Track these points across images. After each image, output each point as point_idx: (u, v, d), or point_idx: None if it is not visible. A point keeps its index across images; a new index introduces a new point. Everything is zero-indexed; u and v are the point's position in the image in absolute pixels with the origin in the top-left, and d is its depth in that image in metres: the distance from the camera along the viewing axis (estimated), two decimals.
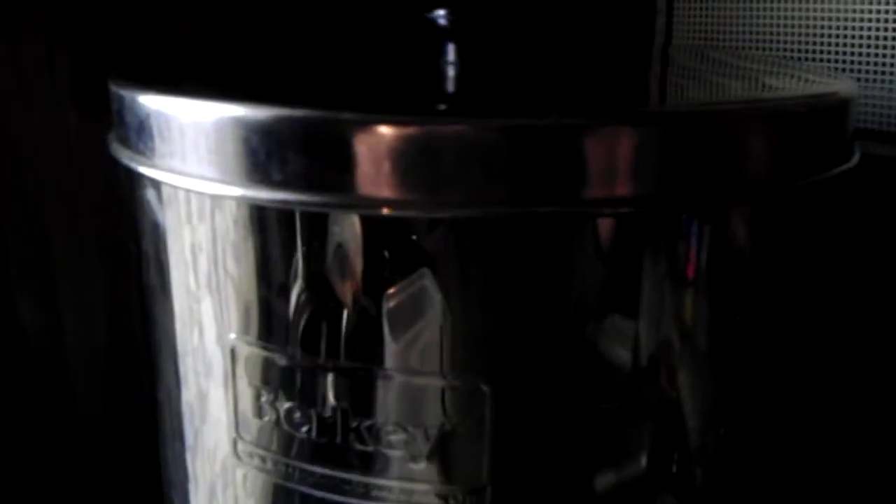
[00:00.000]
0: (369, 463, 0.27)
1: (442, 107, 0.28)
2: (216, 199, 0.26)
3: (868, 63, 0.46)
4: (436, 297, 0.25)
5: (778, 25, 0.48)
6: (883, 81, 0.46)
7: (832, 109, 0.30)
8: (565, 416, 0.27)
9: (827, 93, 0.30)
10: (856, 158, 0.31)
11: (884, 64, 0.45)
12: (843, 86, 0.31)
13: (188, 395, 0.30)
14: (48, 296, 0.59)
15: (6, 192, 0.56)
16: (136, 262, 0.32)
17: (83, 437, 0.62)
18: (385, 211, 0.24)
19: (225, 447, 0.29)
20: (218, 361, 0.28)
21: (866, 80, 0.46)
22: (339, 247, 0.25)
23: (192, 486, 0.31)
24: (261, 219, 0.26)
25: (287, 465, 0.28)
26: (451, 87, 0.32)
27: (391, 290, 0.25)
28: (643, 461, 0.28)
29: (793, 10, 0.47)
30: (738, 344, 0.29)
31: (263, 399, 0.27)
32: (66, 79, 0.55)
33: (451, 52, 0.34)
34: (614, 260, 0.25)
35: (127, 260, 0.59)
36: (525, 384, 0.26)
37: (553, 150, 0.24)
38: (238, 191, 0.25)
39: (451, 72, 0.33)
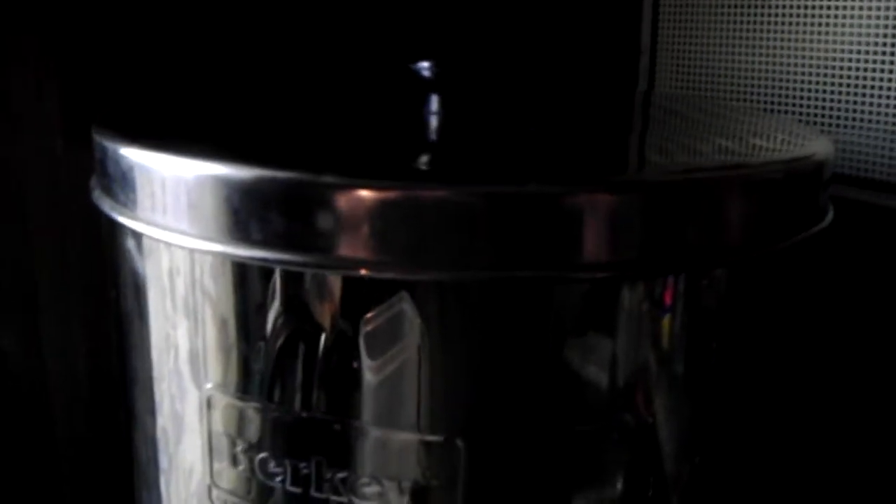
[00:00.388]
0: None
1: (424, 165, 0.28)
2: (196, 253, 0.27)
3: (842, 111, 0.47)
4: (412, 355, 0.25)
5: (757, 74, 0.49)
6: (854, 128, 0.47)
7: (808, 174, 0.30)
8: (539, 473, 0.27)
9: (803, 156, 0.31)
10: (829, 218, 0.32)
11: (856, 111, 0.46)
12: (819, 146, 0.32)
13: (164, 440, 0.30)
14: (30, 323, 0.59)
15: None
16: (115, 307, 0.32)
17: (61, 474, 0.62)
18: (364, 272, 0.24)
19: (201, 494, 0.29)
20: (194, 410, 0.28)
21: (840, 127, 0.47)
22: (318, 304, 0.25)
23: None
24: (240, 274, 0.26)
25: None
26: (433, 140, 0.32)
27: (368, 347, 0.25)
28: None
29: (772, 59, 0.48)
30: (715, 401, 0.30)
31: (238, 448, 0.28)
32: (55, 107, 0.55)
33: (434, 103, 0.34)
34: (592, 321, 0.26)
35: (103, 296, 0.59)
36: (500, 440, 0.27)
37: (533, 216, 0.24)
38: (217, 247, 0.25)
39: (434, 123, 0.34)
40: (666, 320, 0.27)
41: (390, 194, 0.24)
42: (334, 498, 0.27)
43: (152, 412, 0.30)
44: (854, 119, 0.47)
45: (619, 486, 0.28)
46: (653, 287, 0.26)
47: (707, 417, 0.30)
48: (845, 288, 0.50)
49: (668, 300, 0.27)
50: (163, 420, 0.30)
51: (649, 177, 0.27)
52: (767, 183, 0.28)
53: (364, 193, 0.23)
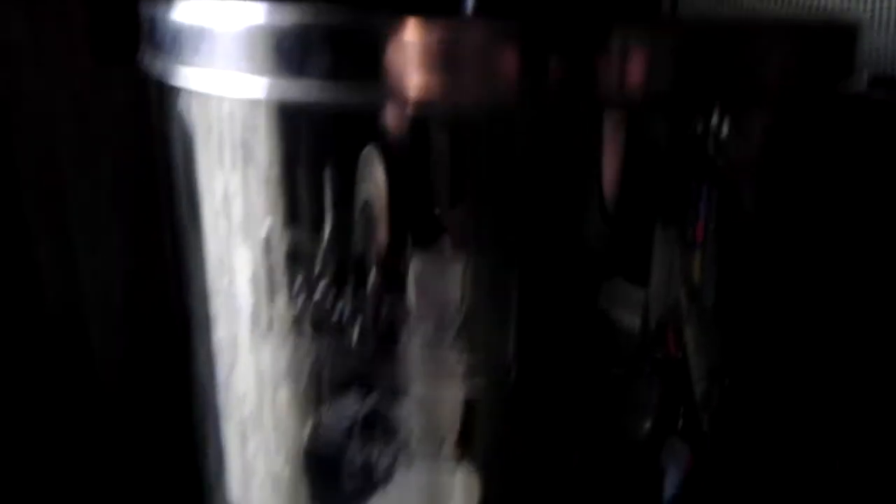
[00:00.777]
0: (398, 335, 0.28)
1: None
2: (249, 102, 0.28)
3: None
4: (466, 182, 0.26)
5: None
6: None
7: (844, 29, 0.31)
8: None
9: (839, 17, 0.32)
10: (864, 82, 0.33)
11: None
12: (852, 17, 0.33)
13: (224, 283, 0.31)
14: (64, 242, 0.60)
15: (20, 143, 0.57)
16: (165, 178, 0.34)
17: (100, 393, 0.64)
18: (415, 104, 0.25)
19: (258, 334, 0.30)
20: (255, 250, 0.29)
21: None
22: (371, 142, 0.26)
23: (221, 369, 0.33)
24: (292, 117, 0.27)
25: (321, 341, 0.29)
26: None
27: (420, 177, 0.26)
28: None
29: None
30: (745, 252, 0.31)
31: (298, 282, 0.29)
32: (80, 26, 0.56)
33: None
34: (631, 154, 0.27)
35: (142, 202, 0.60)
36: (546, 259, 0.28)
37: (574, 51, 0.25)
38: (270, 92, 0.26)
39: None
40: (707, 153, 0.28)
41: (440, 28, 0.25)
42: (390, 320, 0.28)
43: (210, 262, 0.31)
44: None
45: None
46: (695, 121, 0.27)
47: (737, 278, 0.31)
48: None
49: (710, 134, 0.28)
50: (222, 263, 0.31)
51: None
52: (808, 30, 0.29)
53: (415, 27, 0.24)
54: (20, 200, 0.58)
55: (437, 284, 0.27)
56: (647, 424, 0.32)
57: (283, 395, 0.31)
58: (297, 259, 0.29)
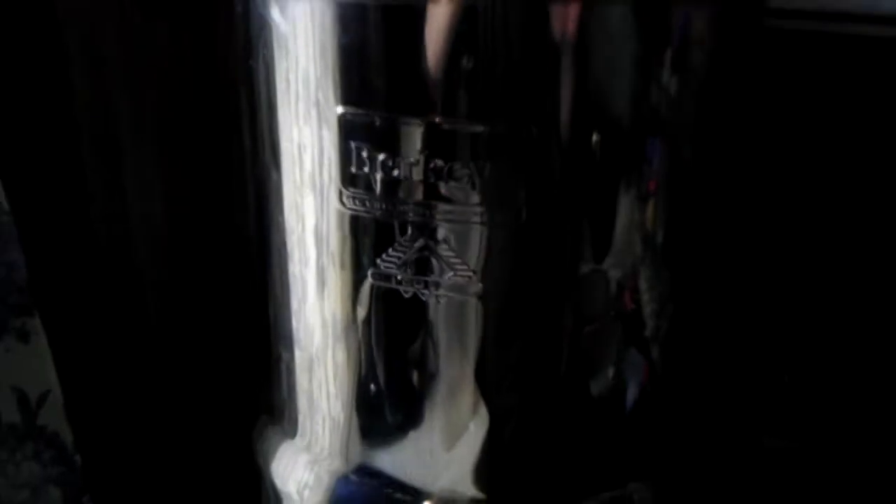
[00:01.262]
0: (440, 193, 0.37)
1: None
2: (315, 3, 0.37)
3: None
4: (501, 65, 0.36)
5: None
6: None
7: None
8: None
9: None
10: None
11: None
12: None
13: (305, 161, 0.40)
14: (115, 182, 0.69)
15: (80, 93, 0.65)
16: (246, 77, 0.42)
17: (146, 316, 0.72)
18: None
19: (333, 199, 0.39)
20: (331, 127, 0.38)
21: None
22: (432, 33, 0.35)
23: (295, 238, 0.42)
24: (357, 16, 0.36)
25: (382, 203, 0.38)
26: None
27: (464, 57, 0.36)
28: None
29: None
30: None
31: (364, 154, 0.38)
32: None
33: None
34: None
35: (180, 147, 0.68)
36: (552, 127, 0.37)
37: None
38: None
39: None
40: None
41: None
42: (434, 181, 0.37)
43: (289, 137, 0.40)
44: None
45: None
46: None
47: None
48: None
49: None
50: (300, 140, 0.40)
51: None
52: None
53: None
54: (78, 145, 0.67)
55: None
56: (613, 345, 0.42)
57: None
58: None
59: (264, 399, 0.50)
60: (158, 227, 0.69)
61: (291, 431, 0.47)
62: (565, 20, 0.35)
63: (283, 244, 0.43)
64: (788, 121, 0.59)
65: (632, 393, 0.43)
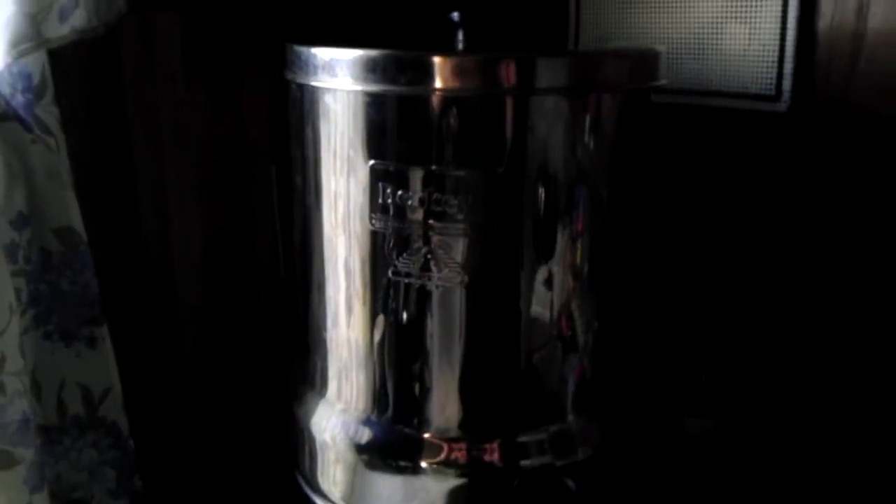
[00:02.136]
0: (437, 216, 0.57)
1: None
2: (355, 94, 0.56)
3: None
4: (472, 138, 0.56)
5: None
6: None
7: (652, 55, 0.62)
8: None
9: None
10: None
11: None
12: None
13: (342, 194, 0.59)
14: (162, 214, 0.86)
15: (138, 145, 0.83)
16: (299, 139, 0.61)
17: (183, 326, 0.88)
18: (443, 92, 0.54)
19: (363, 219, 0.58)
20: (364, 173, 0.57)
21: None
22: (430, 112, 0.55)
23: (330, 250, 0.61)
24: (382, 103, 0.56)
25: (398, 225, 0.57)
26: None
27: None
28: None
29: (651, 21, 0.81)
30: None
31: (388, 190, 0.57)
32: (178, 54, 0.83)
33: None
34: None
35: (216, 187, 0.86)
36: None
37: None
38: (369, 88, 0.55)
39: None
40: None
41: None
42: (436, 208, 0.56)
43: (331, 186, 0.59)
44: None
45: None
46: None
47: None
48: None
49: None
50: (338, 187, 0.59)
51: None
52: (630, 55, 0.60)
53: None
54: (135, 194, 0.84)
55: None
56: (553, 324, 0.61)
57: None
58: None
59: (301, 372, 0.68)
60: (195, 253, 0.87)
61: (325, 392, 0.65)
62: (515, 106, 0.56)
63: (322, 254, 0.62)
64: (674, 167, 0.80)
65: (569, 364, 0.63)
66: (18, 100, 0.71)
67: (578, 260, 0.60)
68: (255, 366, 0.89)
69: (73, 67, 0.76)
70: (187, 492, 0.88)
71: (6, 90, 0.71)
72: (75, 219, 0.79)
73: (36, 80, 0.72)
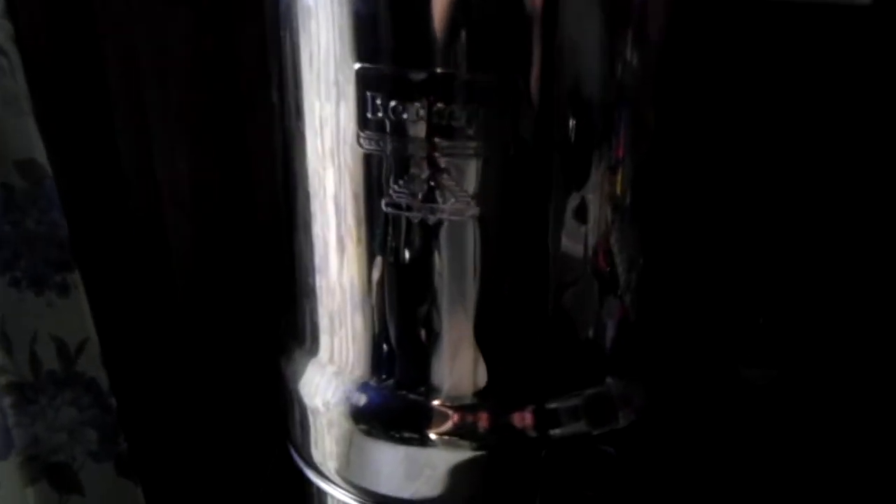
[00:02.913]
0: (442, 132, 0.45)
1: None
2: None
3: None
4: None
5: None
6: None
7: None
8: None
9: None
10: None
11: None
12: None
13: (326, 110, 0.48)
14: (145, 154, 0.76)
15: (112, 66, 0.73)
16: (275, 47, 0.50)
17: (174, 274, 0.79)
18: None
19: (351, 140, 0.47)
20: (349, 81, 0.46)
21: None
22: (429, 16, 0.43)
23: (315, 181, 0.50)
24: None
25: (393, 143, 0.46)
26: None
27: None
28: None
29: None
30: None
31: (378, 101, 0.46)
32: None
33: None
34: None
35: (202, 122, 0.76)
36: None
37: None
38: None
39: None
40: None
41: None
42: (437, 121, 0.45)
43: (316, 93, 0.48)
44: None
45: None
46: None
47: None
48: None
49: None
50: (325, 93, 0.47)
51: None
52: None
53: None
54: (111, 122, 0.74)
55: None
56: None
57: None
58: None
59: (289, 326, 0.58)
60: (183, 191, 0.77)
61: (316, 350, 0.55)
62: None
63: (307, 186, 0.51)
64: (737, 73, 0.67)
65: (607, 311, 0.51)
66: None
67: (619, 187, 0.49)
68: (252, 316, 0.79)
69: None
70: (176, 453, 0.79)
71: None
72: (38, 149, 0.70)
73: None
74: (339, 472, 0.56)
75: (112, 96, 0.72)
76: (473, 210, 0.47)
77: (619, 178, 0.49)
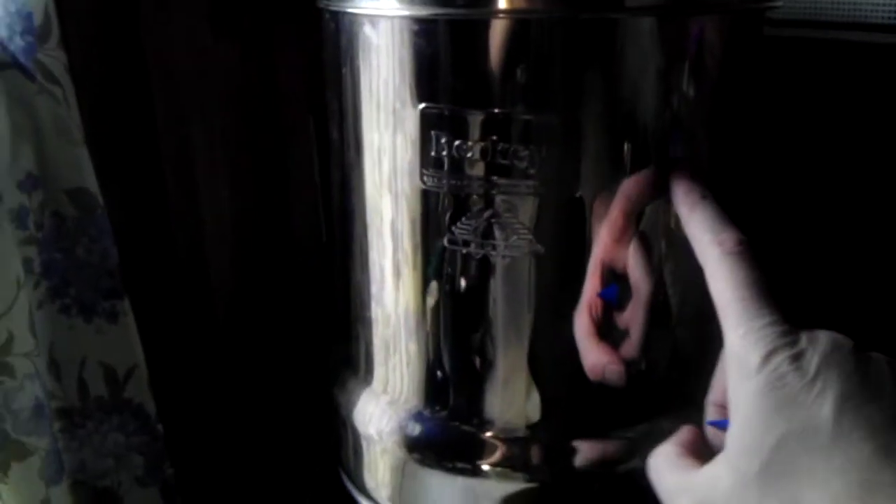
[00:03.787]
0: (502, 171, 0.46)
1: None
2: (400, 20, 0.46)
3: None
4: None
5: None
6: None
7: None
8: None
9: None
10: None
11: None
12: None
13: (385, 144, 0.49)
14: (191, 193, 0.77)
15: (159, 96, 0.74)
16: (335, 84, 0.51)
17: (214, 300, 0.80)
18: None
19: (414, 178, 0.48)
20: (412, 120, 0.47)
21: None
22: (492, 41, 0.44)
23: (374, 216, 0.51)
24: (433, 31, 0.45)
25: (455, 182, 0.47)
26: None
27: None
28: None
29: None
30: None
31: (443, 141, 0.47)
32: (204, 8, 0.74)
33: None
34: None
35: (245, 159, 0.77)
36: None
37: None
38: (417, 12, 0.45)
39: None
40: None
41: None
42: (501, 161, 0.46)
43: (379, 131, 0.49)
44: None
45: None
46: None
47: None
48: None
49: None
50: (390, 128, 0.49)
51: None
52: None
53: None
54: (159, 154, 0.75)
55: None
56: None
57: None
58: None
59: (343, 355, 0.59)
60: (225, 223, 0.78)
61: (370, 379, 0.56)
62: (600, 32, 0.45)
63: (365, 218, 0.52)
64: (789, 111, 0.68)
65: (660, 344, 0.52)
66: (18, 44, 0.63)
67: (673, 221, 0.50)
68: (295, 344, 0.80)
69: (81, 5, 0.67)
70: (221, 481, 0.80)
71: (3, 33, 0.63)
72: (89, 179, 0.71)
73: (38, 19, 0.63)
74: (391, 500, 0.56)
75: (158, 124, 0.74)
76: (532, 246, 0.48)
77: (672, 213, 0.50)
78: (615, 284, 0.49)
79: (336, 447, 0.61)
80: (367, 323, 0.55)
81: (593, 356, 0.48)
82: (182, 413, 0.78)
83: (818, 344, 0.37)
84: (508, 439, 0.52)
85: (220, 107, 0.76)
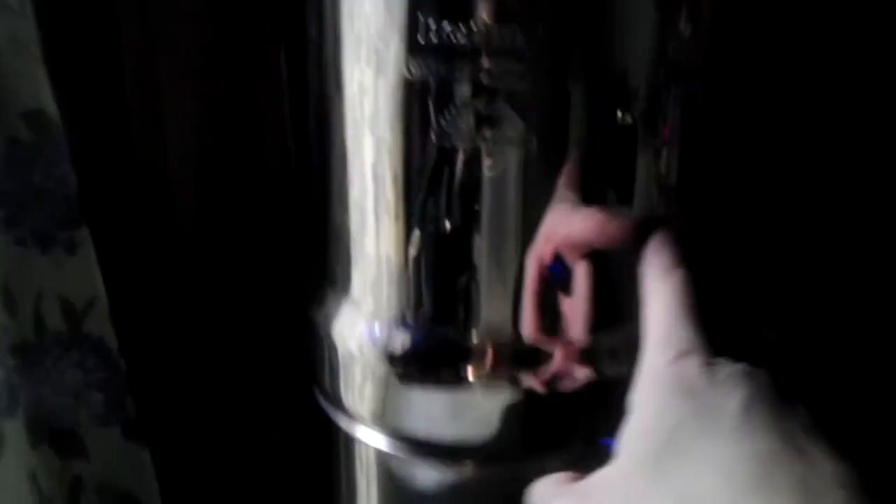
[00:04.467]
0: (496, 54, 0.44)
1: None
2: None
3: None
4: None
5: None
6: None
7: None
8: None
9: None
10: None
11: None
12: None
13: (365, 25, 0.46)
14: (155, 110, 0.74)
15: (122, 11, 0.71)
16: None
17: (179, 227, 0.77)
18: None
19: (398, 66, 0.46)
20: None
21: None
22: None
23: (361, 112, 0.48)
24: None
25: (443, 67, 0.45)
26: None
27: None
28: None
29: None
30: None
31: (430, 22, 0.44)
32: None
33: None
34: None
35: (212, 84, 0.74)
36: None
37: None
38: None
39: None
40: None
41: None
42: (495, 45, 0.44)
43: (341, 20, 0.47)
44: None
45: None
46: None
47: None
48: None
49: None
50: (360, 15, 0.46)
51: None
52: None
53: None
54: (122, 81, 0.72)
55: None
56: None
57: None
58: None
59: (321, 268, 0.56)
60: (190, 146, 0.75)
61: (350, 288, 0.54)
62: None
63: (345, 117, 0.50)
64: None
65: None
66: None
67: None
68: (264, 270, 0.77)
69: None
70: (187, 417, 0.77)
71: None
72: (47, 100, 0.67)
73: None
74: (374, 418, 0.54)
75: (122, 44, 0.70)
76: (522, 139, 0.46)
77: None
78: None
79: (312, 369, 0.58)
80: (347, 229, 0.52)
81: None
82: (146, 346, 0.74)
83: (735, 365, 0.36)
84: (495, 344, 0.50)
85: (188, 26, 0.72)
